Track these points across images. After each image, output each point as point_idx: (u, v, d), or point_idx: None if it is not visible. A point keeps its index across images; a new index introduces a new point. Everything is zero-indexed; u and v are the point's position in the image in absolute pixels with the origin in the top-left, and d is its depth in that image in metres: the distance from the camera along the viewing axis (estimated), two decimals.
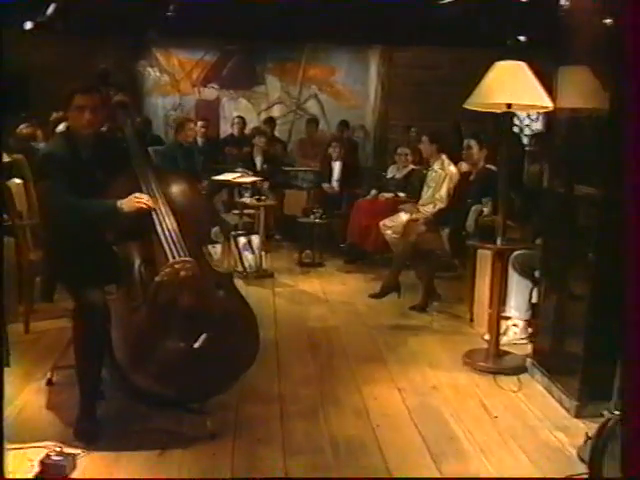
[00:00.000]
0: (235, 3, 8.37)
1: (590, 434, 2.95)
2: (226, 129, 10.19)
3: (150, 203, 3.39)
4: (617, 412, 2.54)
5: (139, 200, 3.36)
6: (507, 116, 4.53)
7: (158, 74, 10.41)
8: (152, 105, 10.31)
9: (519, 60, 4.37)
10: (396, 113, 10.46)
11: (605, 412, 2.71)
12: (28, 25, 8.95)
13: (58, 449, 3.15)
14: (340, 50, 10.47)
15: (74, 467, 3.09)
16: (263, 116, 10.24)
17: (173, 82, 10.47)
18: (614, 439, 2.52)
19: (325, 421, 3.67)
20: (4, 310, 1.80)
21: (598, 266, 3.69)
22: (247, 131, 9.44)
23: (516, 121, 9.75)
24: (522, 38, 8.73)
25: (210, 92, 10.57)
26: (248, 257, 6.75)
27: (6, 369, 4.08)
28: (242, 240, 6.79)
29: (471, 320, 5.37)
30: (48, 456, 3.07)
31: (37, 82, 9.02)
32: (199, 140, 8.61)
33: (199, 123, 8.84)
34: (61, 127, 6.04)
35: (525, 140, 8.82)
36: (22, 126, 7.14)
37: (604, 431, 2.57)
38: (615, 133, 3.67)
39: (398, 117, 10.36)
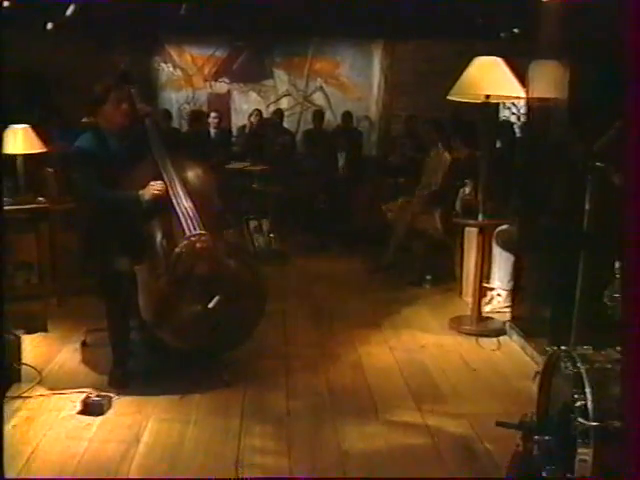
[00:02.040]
0: (244, 1, 8.83)
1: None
2: (237, 121, 10.67)
3: (164, 189, 3.93)
4: (562, 347, 3.03)
5: (155, 188, 3.92)
6: (488, 106, 5.03)
7: (172, 69, 10.86)
8: (166, 99, 10.79)
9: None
10: (399, 104, 10.80)
11: (548, 348, 3.21)
12: (49, 26, 9.47)
13: (96, 393, 3.72)
14: (344, 44, 10.84)
15: (110, 407, 3.67)
16: (272, 108, 10.69)
17: (186, 77, 10.91)
18: (557, 373, 3.03)
19: (324, 373, 4.24)
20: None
21: (564, 242, 4.18)
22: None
23: (514, 110, 10.20)
24: (516, 30, 9.15)
25: (221, 86, 10.99)
26: (259, 239, 7.29)
27: (44, 334, 4.73)
28: (253, 223, 7.33)
29: (460, 293, 5.88)
30: (88, 397, 3.66)
31: (58, 80, 9.52)
32: (212, 131, 9.13)
33: (212, 115, 9.34)
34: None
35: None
36: None
37: (549, 365, 3.08)
38: (576, 119, 4.22)
39: (401, 108, 10.73)
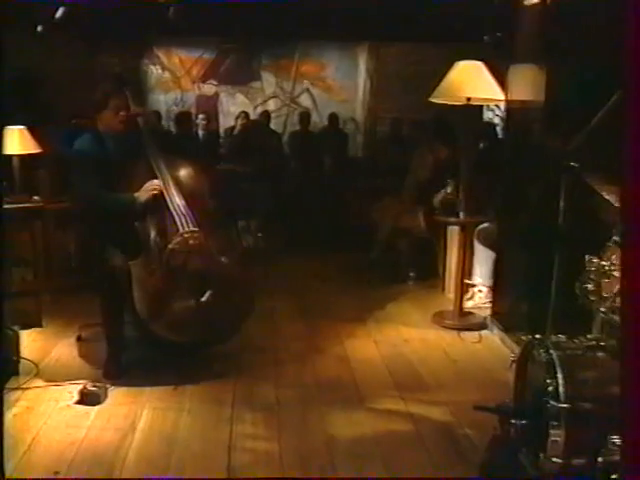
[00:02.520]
0: (232, 5, 8.98)
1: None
2: (224, 123, 10.81)
3: (161, 187, 4.10)
4: (537, 336, 3.21)
5: (153, 187, 4.08)
6: (471, 108, 5.21)
7: (160, 71, 10.99)
8: (155, 101, 10.91)
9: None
10: (384, 106, 10.95)
11: (523, 337, 3.39)
12: (39, 28, 9.58)
13: (92, 384, 3.87)
14: (331, 47, 11.00)
15: (106, 397, 3.82)
16: (259, 110, 10.84)
17: (174, 79, 11.04)
18: (532, 360, 3.21)
19: (311, 365, 4.41)
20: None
21: (540, 239, 4.36)
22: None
23: (497, 112, 10.40)
24: (499, 34, 9.35)
25: (209, 88, 11.13)
26: (247, 238, 7.45)
27: (39, 329, 4.87)
28: (241, 223, 7.49)
29: (443, 289, 6.07)
30: (85, 387, 3.81)
31: (49, 83, 9.63)
32: (200, 133, 9.28)
33: (200, 117, 9.49)
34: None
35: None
36: None
37: (524, 353, 3.26)
38: (552, 120, 4.41)
39: (386, 110, 10.89)
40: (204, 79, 11.10)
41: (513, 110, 5.08)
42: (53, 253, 5.48)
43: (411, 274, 6.35)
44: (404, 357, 4.58)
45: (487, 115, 10.39)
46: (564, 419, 2.84)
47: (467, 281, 5.64)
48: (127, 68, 8.95)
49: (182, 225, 4.09)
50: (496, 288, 5.33)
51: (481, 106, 9.07)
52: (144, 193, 4.05)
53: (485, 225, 5.55)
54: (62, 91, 9.33)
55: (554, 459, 2.87)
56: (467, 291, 5.67)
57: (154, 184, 4.08)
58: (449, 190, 5.38)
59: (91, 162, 4.05)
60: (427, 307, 5.63)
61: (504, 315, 5.05)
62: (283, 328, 5.12)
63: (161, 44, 10.89)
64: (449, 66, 5.15)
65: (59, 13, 9.48)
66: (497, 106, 9.54)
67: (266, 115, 10.30)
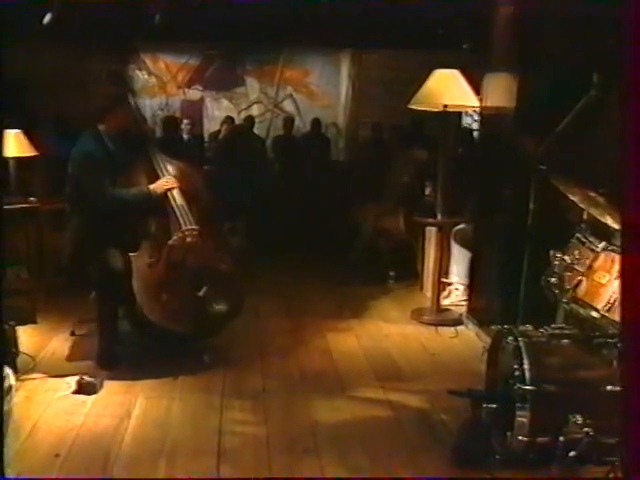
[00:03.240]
0: (217, 11, 9.20)
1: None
2: (209, 127, 11.02)
3: (176, 183, 4.34)
4: (506, 326, 3.46)
5: (167, 182, 4.32)
6: (450, 114, 5.48)
7: (146, 77, 11.16)
8: (141, 105, 11.00)
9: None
10: (366, 111, 11.17)
11: (494, 327, 3.64)
12: (26, 33, 9.75)
13: (88, 375, 4.08)
14: (314, 54, 11.22)
15: (101, 387, 4.02)
16: (243, 115, 11.04)
17: (160, 84, 11.21)
18: (502, 348, 3.46)
19: (295, 357, 4.65)
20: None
21: (512, 239, 4.61)
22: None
23: (476, 117, 10.67)
24: (472, 43, 9.62)
25: (194, 93, 11.32)
26: (233, 240, 7.64)
27: (33, 325, 5.07)
28: (227, 225, 7.68)
29: (421, 288, 6.32)
30: (82, 378, 4.01)
31: (35, 87, 9.77)
32: (185, 137, 9.48)
33: (185, 121, 9.69)
34: None
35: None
36: None
37: (495, 341, 3.51)
38: (522, 126, 4.67)
39: (368, 115, 11.11)
40: (189, 84, 11.29)
41: (488, 116, 5.33)
42: (47, 252, 5.66)
43: (391, 273, 6.59)
44: (384, 350, 4.82)
45: (466, 121, 10.65)
46: (530, 401, 3.10)
47: (444, 280, 5.90)
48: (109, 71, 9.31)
49: (183, 223, 4.33)
50: (472, 286, 5.58)
51: (460, 112, 9.33)
52: (159, 187, 4.29)
53: (462, 226, 5.81)
54: (47, 95, 9.50)
55: (520, 437, 3.14)
56: (445, 289, 5.93)
57: (169, 179, 4.31)
58: (427, 192, 5.63)
59: (98, 163, 4.25)
60: (406, 305, 5.88)
61: (479, 311, 5.30)
62: (268, 324, 5.35)
63: (147, 50, 11.06)
64: (429, 72, 5.39)
65: (47, 19, 9.65)
66: (475, 112, 9.78)
67: (250, 120, 10.51)
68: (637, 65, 1.98)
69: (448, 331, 5.24)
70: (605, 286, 3.14)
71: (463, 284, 5.91)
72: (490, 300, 5.16)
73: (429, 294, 5.90)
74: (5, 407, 2.67)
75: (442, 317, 5.48)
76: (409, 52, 10.51)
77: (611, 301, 3.08)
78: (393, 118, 9.63)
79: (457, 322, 5.40)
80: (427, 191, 5.72)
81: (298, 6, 8.88)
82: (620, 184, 2.09)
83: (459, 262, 5.94)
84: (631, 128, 1.99)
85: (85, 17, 9.20)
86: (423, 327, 5.35)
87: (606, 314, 3.10)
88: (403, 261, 6.71)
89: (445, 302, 5.81)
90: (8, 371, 2.77)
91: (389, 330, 5.25)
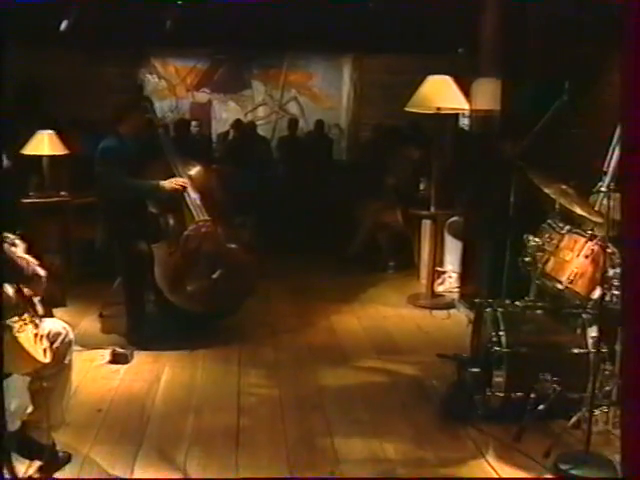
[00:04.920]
0: (224, 18, 9.70)
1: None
2: (217, 128, 11.52)
3: (185, 185, 4.85)
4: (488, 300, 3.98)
5: (177, 182, 4.84)
6: (442, 117, 5.99)
7: (157, 80, 11.64)
8: None
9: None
10: (367, 113, 11.62)
11: (476, 300, 4.15)
12: (44, 40, 10.25)
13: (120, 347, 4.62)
14: (317, 58, 11.68)
15: (132, 358, 4.55)
16: (249, 117, 11.54)
17: (170, 87, 11.69)
18: (483, 319, 3.98)
19: (303, 335, 5.18)
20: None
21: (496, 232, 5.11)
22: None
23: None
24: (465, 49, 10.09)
25: (202, 96, 11.79)
26: (244, 234, 8.16)
27: (64, 308, 5.57)
28: (237, 220, 8.20)
29: (418, 277, 6.83)
30: (115, 350, 4.54)
31: (51, 91, 10.26)
32: (194, 137, 9.99)
33: (193, 123, 10.21)
34: None
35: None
36: None
37: (478, 313, 4.03)
38: (506, 126, 5.19)
39: (369, 116, 11.58)
40: (198, 87, 11.76)
41: (476, 118, 5.85)
42: (76, 242, 6.18)
43: (391, 263, 7.11)
44: (382, 329, 5.35)
45: (463, 122, 11.14)
46: (505, 362, 3.64)
47: (439, 269, 6.42)
48: (123, 77, 9.90)
49: (197, 215, 4.86)
50: (463, 273, 6.10)
51: (457, 114, 9.83)
52: (169, 183, 4.80)
53: (454, 219, 6.33)
54: (63, 98, 9.98)
55: (497, 394, 3.66)
56: (439, 277, 6.45)
57: (180, 180, 4.83)
58: (422, 187, 6.16)
59: (115, 157, 4.78)
60: (404, 291, 6.39)
61: (470, 296, 5.79)
62: (278, 308, 5.89)
63: (158, 55, 11.54)
64: (425, 77, 5.89)
65: (63, 25, 10.16)
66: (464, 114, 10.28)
67: (252, 124, 10.96)
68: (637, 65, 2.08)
69: (441, 314, 5.75)
70: (569, 262, 3.67)
71: (456, 272, 6.42)
72: (479, 285, 5.67)
73: (425, 282, 6.42)
74: (67, 359, 3.17)
75: (436, 301, 6.01)
76: (408, 57, 10.94)
77: (572, 275, 3.60)
78: (392, 119, 10.13)
79: (450, 306, 5.92)
80: (422, 186, 6.24)
81: (302, 13, 9.42)
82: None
83: (452, 252, 6.46)
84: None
85: (99, 24, 9.72)
86: (419, 310, 5.87)
87: (569, 286, 3.63)
88: (401, 252, 7.22)
89: (440, 289, 6.33)
90: (67, 327, 3.23)
91: (387, 313, 5.78)
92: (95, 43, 10.38)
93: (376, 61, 11.39)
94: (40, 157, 5.80)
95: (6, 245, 2.78)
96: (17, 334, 2.73)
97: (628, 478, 2.21)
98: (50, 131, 5.84)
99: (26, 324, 2.81)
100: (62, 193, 5.87)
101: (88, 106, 9.82)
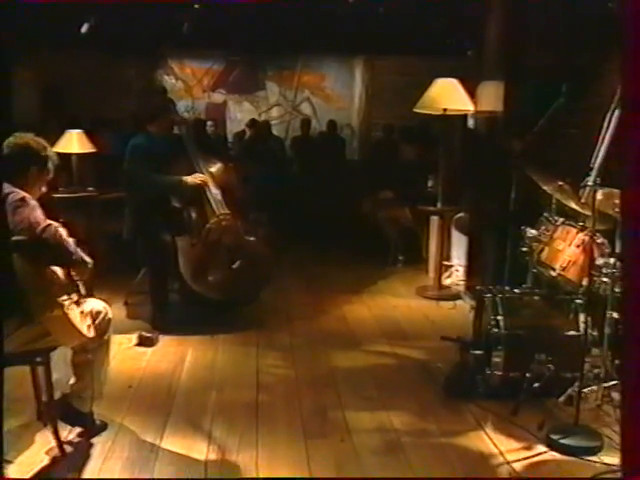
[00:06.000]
0: (239, 21, 10.03)
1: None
2: (232, 128, 11.85)
3: (206, 181, 5.19)
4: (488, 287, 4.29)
5: (198, 178, 5.17)
6: (450, 118, 6.30)
7: (174, 81, 11.99)
8: None
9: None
10: (378, 113, 11.89)
11: (478, 287, 4.47)
12: (65, 43, 10.61)
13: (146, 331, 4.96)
14: (329, 59, 12.03)
15: (157, 341, 4.89)
16: (263, 117, 11.85)
17: (186, 88, 12.05)
18: (484, 305, 4.28)
19: (317, 322, 5.52)
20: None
21: (499, 226, 5.41)
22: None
23: None
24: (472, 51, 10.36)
25: (218, 96, 12.15)
26: (259, 229, 8.50)
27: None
28: (252, 216, 8.53)
29: (427, 271, 7.14)
30: (141, 334, 4.89)
31: (75, 92, 10.62)
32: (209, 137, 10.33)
33: (208, 123, 10.54)
34: None
35: None
36: None
37: (479, 299, 4.35)
38: (508, 129, 5.50)
39: (380, 117, 11.84)
40: (214, 88, 12.12)
41: (481, 119, 6.17)
42: (101, 236, 6.53)
43: (400, 258, 7.43)
44: (392, 318, 5.67)
45: (471, 122, 11.41)
46: (503, 343, 3.95)
47: (446, 263, 6.74)
48: (142, 78, 10.31)
49: (217, 209, 5.20)
50: (469, 267, 6.42)
51: (465, 115, 10.12)
52: (192, 179, 5.13)
53: (461, 215, 6.64)
54: (85, 99, 10.35)
55: (496, 373, 3.97)
56: (446, 270, 6.76)
57: (200, 176, 5.16)
58: (430, 185, 6.48)
59: (143, 154, 5.13)
60: (413, 284, 6.71)
61: (473, 287, 6.12)
62: (293, 297, 6.23)
63: (175, 56, 11.91)
64: (436, 77, 6.19)
65: (84, 28, 10.52)
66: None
67: (267, 124, 11.28)
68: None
69: (447, 304, 6.07)
70: (562, 252, 3.99)
71: (462, 266, 6.73)
72: (484, 276, 5.98)
73: (432, 274, 6.73)
74: (107, 335, 3.52)
75: (443, 293, 6.33)
76: (418, 59, 11.24)
77: (565, 263, 3.92)
78: (403, 120, 10.40)
79: (456, 297, 6.24)
80: (430, 183, 6.55)
81: (315, 16, 9.73)
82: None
83: (459, 246, 6.77)
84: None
85: (119, 27, 10.07)
86: (426, 301, 6.19)
87: (561, 273, 3.94)
88: (411, 247, 7.54)
89: (447, 282, 6.65)
90: (107, 307, 3.57)
91: (397, 303, 6.10)
92: (114, 45, 10.75)
93: (387, 63, 11.72)
94: (69, 155, 6.15)
95: (59, 229, 3.10)
96: (67, 311, 3.07)
97: (628, 478, 2.20)
98: (79, 130, 6.20)
99: (74, 303, 3.14)
100: (89, 189, 6.23)
101: (108, 106, 10.21)
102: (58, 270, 3.12)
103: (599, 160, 3.27)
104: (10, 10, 3.47)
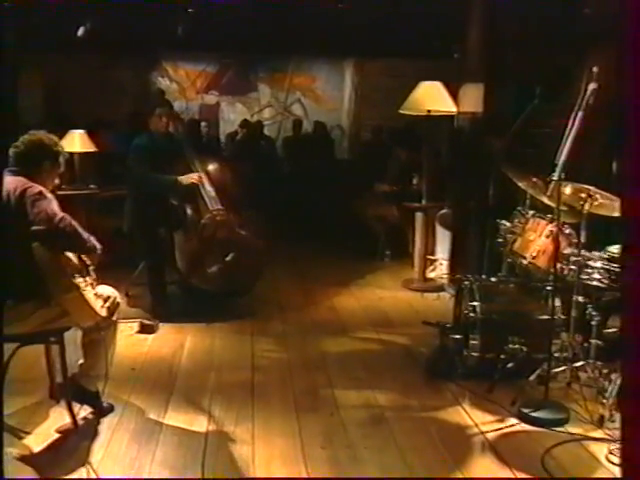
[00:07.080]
0: (232, 24, 10.31)
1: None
2: (225, 129, 12.13)
3: (201, 180, 5.49)
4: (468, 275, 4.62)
5: (193, 177, 5.47)
6: (435, 119, 6.62)
7: (168, 83, 12.26)
8: None
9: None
10: (367, 114, 12.17)
11: (457, 276, 4.80)
12: (62, 45, 10.86)
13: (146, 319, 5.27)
14: (320, 62, 12.34)
15: (157, 328, 5.20)
16: (256, 118, 12.13)
17: (180, 90, 12.31)
18: (462, 293, 4.61)
19: (307, 312, 5.85)
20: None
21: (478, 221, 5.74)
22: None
23: None
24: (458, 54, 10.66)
25: (211, 98, 12.43)
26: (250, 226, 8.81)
27: None
28: (245, 214, 8.84)
29: (412, 265, 7.46)
30: (142, 321, 5.20)
31: (72, 93, 10.87)
32: (203, 137, 10.62)
33: (202, 124, 10.82)
34: None
35: None
36: None
37: (459, 287, 4.68)
38: (488, 129, 5.83)
39: (369, 118, 12.07)
40: (207, 90, 12.39)
41: (463, 120, 6.50)
42: (101, 231, 6.80)
43: (387, 252, 7.76)
44: (378, 308, 6.01)
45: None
46: (479, 327, 4.27)
47: (430, 257, 7.06)
48: (136, 79, 10.61)
49: (211, 205, 5.51)
50: (452, 260, 6.74)
51: (452, 116, 10.42)
52: (186, 178, 5.44)
53: (444, 211, 6.97)
54: (81, 100, 10.60)
55: (473, 354, 4.29)
56: (431, 264, 7.08)
57: (195, 175, 5.46)
58: (414, 182, 6.81)
59: (143, 153, 5.43)
60: (399, 277, 7.04)
61: (456, 280, 6.45)
62: (285, 289, 6.55)
63: (169, 59, 12.18)
64: (424, 79, 6.49)
65: (80, 31, 10.77)
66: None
67: (259, 124, 11.59)
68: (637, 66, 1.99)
69: (431, 296, 6.39)
70: (532, 242, 4.32)
71: (446, 260, 7.05)
72: (465, 267, 6.30)
73: (417, 268, 7.05)
74: (115, 317, 3.82)
75: (427, 285, 6.66)
76: (407, 61, 11.52)
77: (535, 252, 4.25)
78: (391, 121, 10.67)
79: (439, 289, 6.57)
80: (414, 181, 6.89)
81: (306, 19, 10.01)
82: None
83: (443, 241, 7.10)
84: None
85: (114, 30, 10.33)
86: (411, 293, 6.52)
87: (532, 261, 4.27)
88: (397, 242, 7.86)
89: (431, 275, 6.97)
90: (115, 291, 3.88)
91: (383, 294, 6.43)
92: (110, 48, 11.00)
93: (377, 65, 12.01)
94: (72, 154, 6.44)
95: (73, 220, 3.41)
96: (83, 292, 3.38)
97: (628, 478, 2.16)
98: (81, 130, 6.50)
99: (88, 284, 3.45)
100: (91, 186, 6.53)
101: (104, 107, 10.48)
102: (73, 256, 3.42)
103: (563, 157, 3.60)
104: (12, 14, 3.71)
